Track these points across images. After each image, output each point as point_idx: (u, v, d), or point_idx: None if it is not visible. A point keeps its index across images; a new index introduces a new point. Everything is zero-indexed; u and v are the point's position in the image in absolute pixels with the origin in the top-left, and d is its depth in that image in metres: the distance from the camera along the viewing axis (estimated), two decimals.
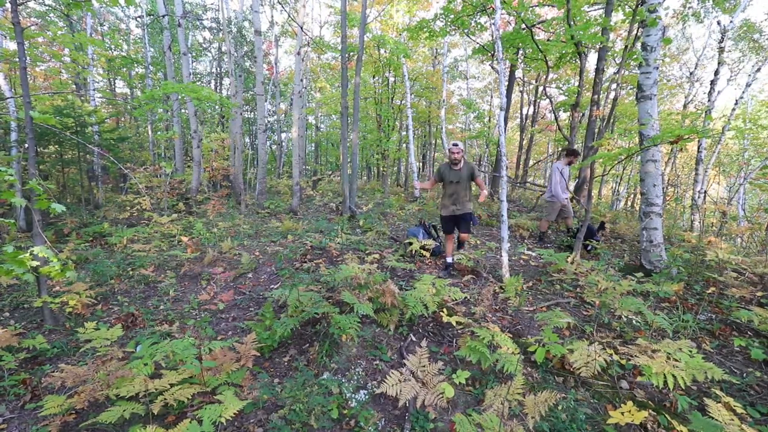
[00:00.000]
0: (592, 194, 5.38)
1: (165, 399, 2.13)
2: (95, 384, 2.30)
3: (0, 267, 2.22)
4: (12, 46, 9.58)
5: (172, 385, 2.24)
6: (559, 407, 2.33)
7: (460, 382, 2.53)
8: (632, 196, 17.30)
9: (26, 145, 3.30)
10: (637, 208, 13.48)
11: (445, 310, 3.44)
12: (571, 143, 7.37)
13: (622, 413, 1.95)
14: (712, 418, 1.89)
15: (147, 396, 2.21)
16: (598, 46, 6.96)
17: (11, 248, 2.25)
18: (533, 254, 5.86)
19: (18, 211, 7.69)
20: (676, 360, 2.32)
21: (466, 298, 4.05)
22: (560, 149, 6.03)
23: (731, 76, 12.59)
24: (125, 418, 2.05)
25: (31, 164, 3.27)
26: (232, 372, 2.56)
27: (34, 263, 2.31)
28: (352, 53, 11.01)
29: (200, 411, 1.96)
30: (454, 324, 3.27)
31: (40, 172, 9.39)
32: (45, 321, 3.57)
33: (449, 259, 4.97)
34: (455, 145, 4.65)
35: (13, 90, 9.50)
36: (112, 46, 13.86)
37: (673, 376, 2.18)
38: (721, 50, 9.89)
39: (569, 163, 6.16)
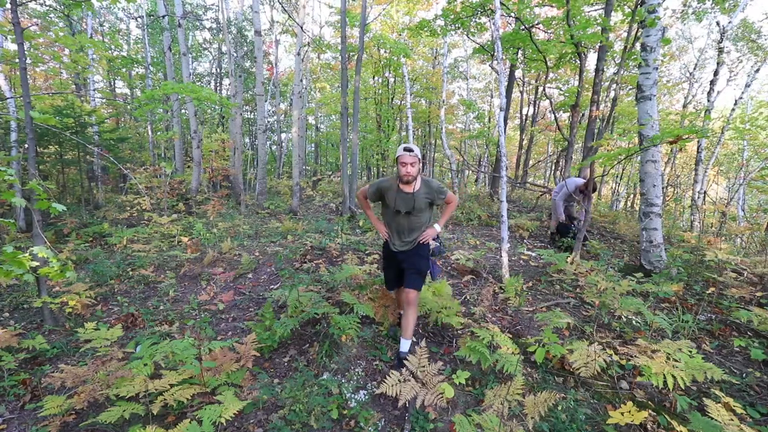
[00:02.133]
0: (592, 194, 5.37)
1: (165, 399, 2.13)
2: (95, 384, 2.30)
3: (0, 268, 2.22)
4: (13, 47, 9.58)
5: (171, 386, 2.24)
6: (559, 407, 2.33)
7: (459, 383, 2.53)
8: (632, 196, 17.32)
9: (26, 146, 3.30)
10: (637, 209, 13.48)
11: (444, 310, 3.44)
12: (571, 143, 7.38)
13: (622, 413, 1.95)
14: (712, 418, 1.89)
15: (147, 396, 2.21)
16: (597, 46, 6.98)
17: (11, 248, 2.25)
18: (533, 254, 5.86)
19: (18, 211, 7.69)
20: (676, 360, 2.32)
21: (465, 298, 4.05)
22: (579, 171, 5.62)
23: (730, 77, 12.60)
24: (125, 418, 2.05)
25: (31, 164, 3.27)
26: (232, 372, 2.56)
27: (34, 264, 2.31)
28: (352, 53, 11.02)
29: (200, 411, 1.96)
30: (454, 324, 3.27)
31: (40, 172, 9.39)
32: (45, 321, 3.57)
33: (404, 348, 2.78)
34: (408, 150, 2.65)
35: (13, 90, 9.50)
36: (113, 47, 13.85)
37: (673, 376, 2.18)
38: (720, 50, 9.90)
39: (580, 191, 5.85)
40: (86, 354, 3.03)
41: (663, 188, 5.12)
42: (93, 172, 10.96)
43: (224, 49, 15.94)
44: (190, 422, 1.90)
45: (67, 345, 3.25)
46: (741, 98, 10.48)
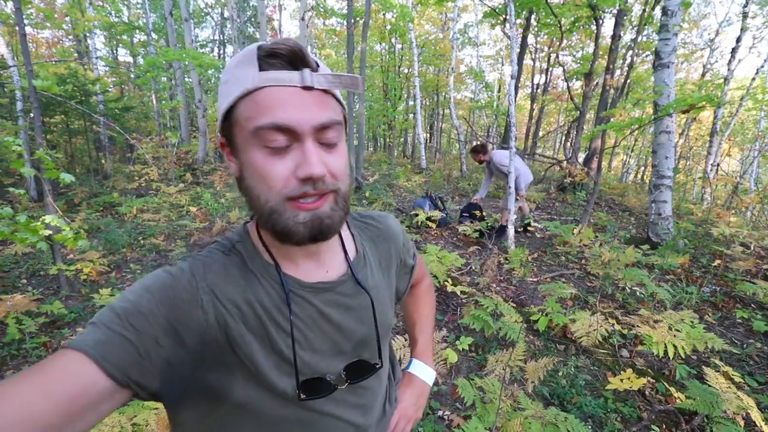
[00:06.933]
0: (602, 166, 5.28)
1: None
2: None
3: (15, 235, 2.28)
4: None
5: None
6: (560, 373, 2.40)
7: (463, 348, 2.60)
8: (642, 168, 17.03)
9: (32, 115, 3.29)
10: (647, 181, 13.27)
11: (449, 280, 3.48)
12: (582, 113, 7.20)
13: (621, 380, 2.00)
14: (710, 386, 1.94)
15: None
16: (615, 10, 6.67)
17: (24, 217, 2.29)
18: (539, 226, 5.85)
19: (28, 181, 7.78)
20: (678, 330, 2.36)
21: (471, 268, 4.09)
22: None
23: (753, 44, 12.05)
24: None
25: (37, 133, 3.28)
26: None
27: (47, 232, 2.36)
28: (357, 18, 10.66)
29: None
30: (459, 294, 3.32)
31: (48, 142, 9.42)
32: (61, 287, 3.69)
33: None
34: (287, 57, 0.50)
35: (15, 58, 9.39)
36: (113, 12, 13.51)
37: (674, 345, 2.21)
38: (745, 15, 9.41)
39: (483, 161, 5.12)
40: None
41: (675, 160, 5.02)
42: (100, 142, 10.97)
43: (227, 14, 15.47)
44: None
45: (84, 310, 3.36)
46: (763, 67, 10.05)
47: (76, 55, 12.53)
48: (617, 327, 2.65)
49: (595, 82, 8.23)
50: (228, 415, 0.56)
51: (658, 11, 5.25)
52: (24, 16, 3.25)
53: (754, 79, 10.31)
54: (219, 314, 0.53)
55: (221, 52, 18.10)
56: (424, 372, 0.89)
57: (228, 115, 0.52)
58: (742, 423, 1.77)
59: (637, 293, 3.47)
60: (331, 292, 0.62)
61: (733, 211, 7.25)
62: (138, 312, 0.48)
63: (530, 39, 13.06)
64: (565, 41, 11.16)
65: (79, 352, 0.45)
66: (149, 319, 0.48)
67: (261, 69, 0.49)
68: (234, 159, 0.55)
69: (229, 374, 0.54)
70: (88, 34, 11.85)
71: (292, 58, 0.50)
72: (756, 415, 1.69)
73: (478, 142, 5.20)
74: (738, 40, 9.64)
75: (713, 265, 4.04)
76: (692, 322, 2.44)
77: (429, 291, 0.98)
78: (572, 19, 8.08)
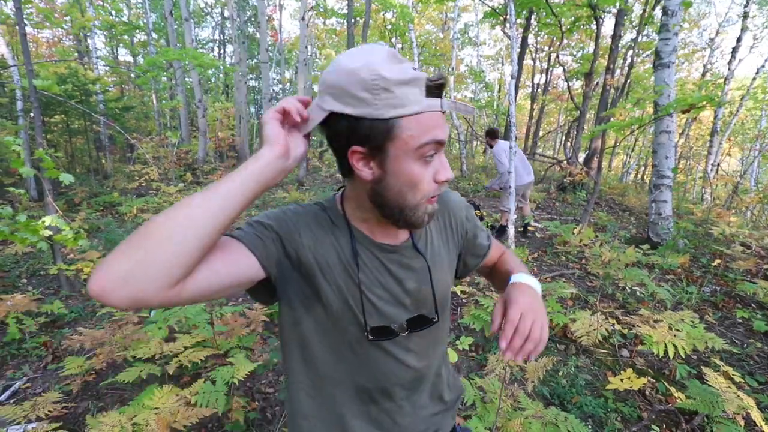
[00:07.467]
0: (602, 166, 5.28)
1: (180, 361, 2.21)
2: (112, 346, 2.40)
3: (15, 235, 2.28)
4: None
5: (186, 348, 2.33)
6: (560, 373, 2.40)
7: (463, 348, 2.59)
8: (642, 168, 17.02)
9: (32, 114, 3.29)
10: (647, 181, 13.26)
11: None
12: (583, 113, 7.21)
13: (621, 380, 2.00)
14: (710, 386, 1.93)
15: (162, 358, 2.30)
16: (615, 10, 6.66)
17: (24, 217, 2.29)
18: (539, 226, 5.85)
19: (28, 181, 7.78)
20: (678, 330, 2.35)
21: None
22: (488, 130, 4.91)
23: (754, 44, 12.04)
24: (142, 378, 2.14)
25: (37, 133, 3.28)
26: (243, 336, 2.65)
27: (47, 232, 2.36)
28: (358, 18, 10.66)
29: (214, 372, 2.05)
30: (459, 293, 3.32)
31: (48, 141, 9.41)
32: (62, 287, 3.69)
33: None
34: (436, 86, 0.61)
35: (15, 58, 9.38)
36: (113, 12, 13.52)
37: (674, 345, 2.21)
38: (745, 15, 9.41)
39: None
40: (103, 318, 3.15)
41: (675, 160, 5.02)
42: (100, 141, 10.97)
43: (227, 14, 15.47)
44: (204, 382, 1.99)
45: (84, 309, 3.37)
46: (763, 67, 10.04)
47: (76, 54, 12.54)
48: (617, 327, 2.65)
49: (595, 82, 8.23)
50: (308, 332, 0.73)
51: (658, 11, 5.25)
52: (24, 16, 3.24)
53: (754, 78, 10.30)
54: (306, 248, 0.70)
55: (221, 51, 18.11)
56: (530, 281, 0.80)
57: (385, 128, 0.59)
58: (742, 423, 1.77)
59: (637, 293, 3.47)
60: (395, 253, 0.75)
61: (733, 211, 7.25)
62: (266, 224, 0.69)
63: (530, 39, 13.06)
64: (565, 41, 11.16)
65: (240, 242, 0.65)
66: (269, 231, 0.68)
67: (426, 95, 0.60)
68: (374, 165, 0.64)
69: (311, 296, 0.71)
70: (88, 34, 11.87)
71: (442, 89, 0.62)
72: (756, 415, 1.69)
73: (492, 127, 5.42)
74: (738, 39, 9.64)
75: (713, 264, 4.04)
76: (692, 321, 2.44)
77: (514, 255, 1.04)
78: (572, 18, 8.08)
